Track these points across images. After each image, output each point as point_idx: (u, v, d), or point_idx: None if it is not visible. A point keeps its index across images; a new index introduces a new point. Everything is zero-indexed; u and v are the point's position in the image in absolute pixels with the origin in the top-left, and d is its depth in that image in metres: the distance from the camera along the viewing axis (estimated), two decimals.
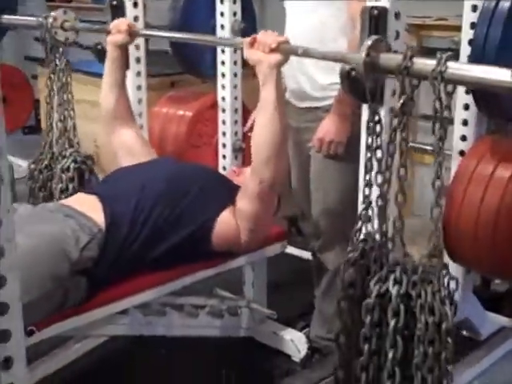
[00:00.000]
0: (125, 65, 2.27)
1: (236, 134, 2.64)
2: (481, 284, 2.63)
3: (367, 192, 1.55)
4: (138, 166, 2.08)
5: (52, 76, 2.40)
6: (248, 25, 2.59)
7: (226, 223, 1.92)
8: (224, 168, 2.64)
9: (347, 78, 1.57)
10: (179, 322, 2.17)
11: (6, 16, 2.59)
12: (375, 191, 1.53)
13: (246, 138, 2.62)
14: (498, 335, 2.40)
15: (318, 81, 2.14)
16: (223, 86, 2.61)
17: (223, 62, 2.58)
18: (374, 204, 1.54)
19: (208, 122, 2.80)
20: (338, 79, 1.59)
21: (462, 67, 1.44)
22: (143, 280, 1.88)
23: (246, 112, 2.65)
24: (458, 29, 2.19)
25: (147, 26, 2.73)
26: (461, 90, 2.09)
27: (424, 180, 3.29)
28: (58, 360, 2.00)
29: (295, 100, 2.23)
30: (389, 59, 1.48)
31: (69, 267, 1.67)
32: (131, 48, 2.44)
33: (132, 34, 2.23)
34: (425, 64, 1.41)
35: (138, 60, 2.49)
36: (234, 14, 2.50)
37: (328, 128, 2.07)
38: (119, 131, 2.21)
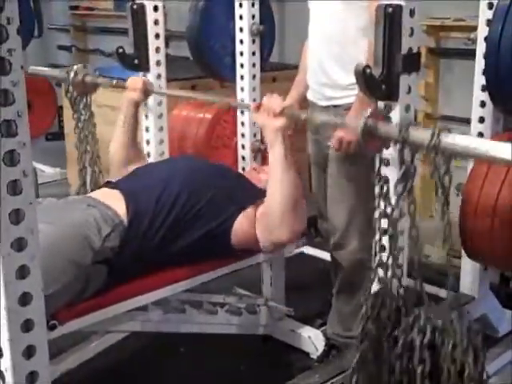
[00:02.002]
0: (137, 121, 2.36)
1: (255, 135, 2.67)
2: (499, 282, 2.62)
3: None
4: (160, 163, 2.13)
5: (79, 124, 2.49)
6: (266, 27, 2.63)
7: (245, 225, 1.96)
8: (243, 169, 2.67)
9: (362, 75, 1.60)
10: (198, 320, 2.20)
11: (32, 67, 2.70)
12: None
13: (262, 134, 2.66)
14: None
15: (338, 81, 2.16)
16: (242, 89, 2.65)
17: (242, 65, 2.61)
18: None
19: (227, 124, 2.84)
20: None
21: (456, 140, 1.40)
22: (162, 276, 1.92)
23: None
24: (476, 29, 2.21)
25: (167, 31, 2.79)
26: (476, 86, 2.11)
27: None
28: (80, 355, 2.03)
29: (316, 99, 2.25)
30: (386, 129, 1.51)
31: (91, 255, 1.72)
32: (151, 51, 2.50)
33: (147, 92, 2.32)
34: (421, 135, 1.43)
35: (157, 63, 2.53)
36: (253, 16, 2.54)
37: (347, 127, 2.09)
38: (129, 169, 2.25)
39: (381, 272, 1.54)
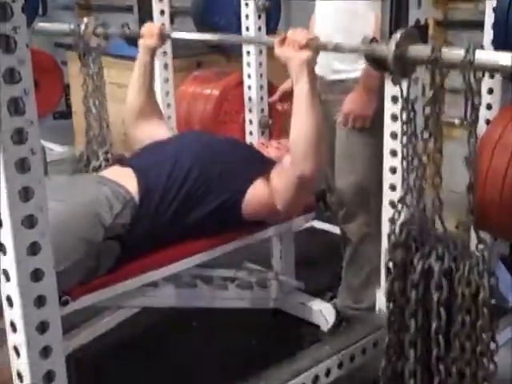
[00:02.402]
0: (153, 68, 2.32)
1: (262, 110, 2.67)
2: (509, 253, 2.62)
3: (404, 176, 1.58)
4: (170, 139, 2.13)
5: (87, 79, 2.46)
6: (272, 2, 2.61)
7: (258, 193, 1.95)
8: (251, 144, 2.68)
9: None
10: (209, 294, 2.21)
11: (40, 23, 2.67)
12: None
13: (272, 110, 2.65)
14: None
15: (345, 54, 2.15)
16: (248, 64, 2.64)
17: None
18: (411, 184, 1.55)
19: (234, 99, 2.84)
20: None
21: (489, 54, 1.45)
22: (174, 252, 1.93)
23: (272, 89, 2.67)
24: (484, 0, 2.18)
25: (172, 7, 2.77)
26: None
27: (453, 154, 3.28)
28: (92, 331, 2.06)
29: (323, 73, 2.24)
30: (418, 50, 1.49)
31: (103, 232, 1.73)
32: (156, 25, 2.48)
33: (163, 37, 2.28)
34: (453, 54, 1.43)
35: None
36: None
37: (355, 102, 2.08)
38: (146, 127, 2.23)
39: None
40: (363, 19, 2.05)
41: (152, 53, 2.28)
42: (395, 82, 1.55)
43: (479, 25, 2.24)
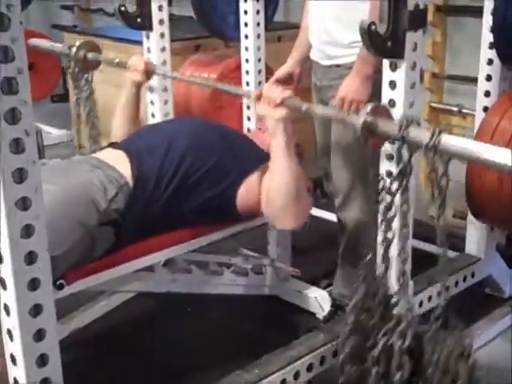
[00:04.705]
0: (139, 101, 2.33)
1: None
2: (506, 243, 2.62)
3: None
4: (164, 123, 2.12)
5: (78, 101, 2.49)
6: None
7: (250, 190, 1.94)
8: (248, 130, 2.66)
9: (367, 32, 1.57)
10: (204, 280, 2.21)
11: (34, 39, 2.66)
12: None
13: None
14: None
15: (340, 39, 2.12)
16: (246, 48, 2.62)
17: (246, 24, 2.58)
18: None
19: (232, 83, 2.81)
20: (359, 38, 1.58)
21: (455, 142, 1.39)
22: (169, 237, 1.92)
23: (270, 73, 2.64)
24: None
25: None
26: (484, 44, 2.07)
27: None
28: (87, 315, 2.05)
29: (318, 58, 2.22)
30: (386, 127, 1.49)
31: (97, 217, 1.71)
32: (153, 9, 2.46)
33: (148, 73, 2.29)
34: (420, 135, 1.41)
35: (160, 22, 2.49)
36: None
37: (349, 87, 2.06)
38: None
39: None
40: (358, 3, 2.03)
41: (138, 87, 2.30)
42: None
43: (479, 11, 2.22)
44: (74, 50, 2.41)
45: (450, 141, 1.37)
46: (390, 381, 1.47)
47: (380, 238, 1.56)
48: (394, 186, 1.49)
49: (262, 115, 1.82)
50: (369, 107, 1.51)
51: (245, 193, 1.94)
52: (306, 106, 1.75)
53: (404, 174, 1.48)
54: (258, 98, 1.81)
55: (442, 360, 1.44)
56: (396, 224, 1.55)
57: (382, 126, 1.49)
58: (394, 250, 1.59)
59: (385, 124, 1.50)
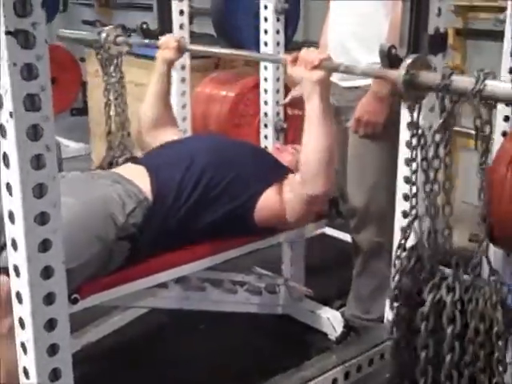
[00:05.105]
0: (170, 79, 2.32)
1: (278, 114, 2.66)
2: None
3: (413, 203, 1.56)
4: (184, 140, 2.13)
5: (108, 87, 2.46)
6: (291, 5, 2.61)
7: (270, 201, 1.94)
8: (266, 148, 2.67)
9: (387, 55, 1.58)
10: (218, 298, 2.21)
11: (62, 30, 2.69)
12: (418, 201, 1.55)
13: (287, 114, 2.65)
14: None
15: (359, 60, 2.13)
16: (265, 67, 2.64)
17: (266, 43, 2.60)
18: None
19: (250, 102, 2.82)
20: (378, 59, 1.59)
21: (499, 85, 1.39)
22: (184, 254, 1.92)
23: (288, 92, 2.66)
24: (505, 10, 2.16)
25: (191, 7, 2.77)
26: (504, 68, 2.07)
27: (468, 165, 3.25)
28: (100, 330, 2.06)
29: (337, 79, 2.23)
30: (428, 77, 1.48)
31: (115, 231, 1.72)
32: (175, 27, 2.49)
33: (180, 49, 2.28)
34: (463, 82, 1.40)
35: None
36: None
37: (365, 109, 2.07)
38: (161, 137, 2.22)
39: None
40: (377, 23, 2.04)
41: (169, 65, 2.29)
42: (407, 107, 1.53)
43: (500, 35, 2.22)
44: (103, 34, 2.41)
45: (494, 86, 1.35)
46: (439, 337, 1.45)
47: (427, 189, 1.52)
48: (437, 137, 1.44)
49: (298, 79, 1.81)
50: (410, 59, 1.49)
51: (263, 203, 1.94)
52: (344, 66, 1.74)
53: (447, 126, 1.45)
54: (294, 61, 1.81)
55: (479, 307, 1.41)
56: (440, 176, 1.50)
57: (424, 77, 1.47)
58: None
59: (427, 74, 1.48)
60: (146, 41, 2.40)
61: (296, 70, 1.81)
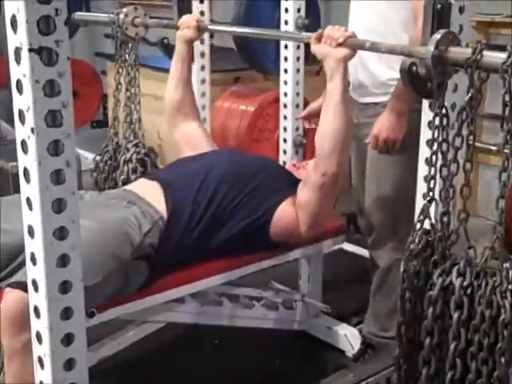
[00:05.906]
0: (191, 60, 2.32)
1: (297, 129, 2.66)
2: None
3: (431, 185, 1.54)
4: (200, 155, 2.13)
5: (120, 70, 2.45)
6: (312, 21, 2.61)
7: (286, 214, 1.94)
8: (284, 163, 2.66)
9: (408, 72, 1.57)
10: (234, 313, 2.20)
11: (78, 13, 2.68)
12: (438, 185, 1.52)
13: (306, 129, 2.65)
14: None
15: (379, 76, 2.13)
16: (285, 82, 2.63)
17: (286, 58, 2.60)
18: (437, 197, 1.52)
19: (269, 117, 2.84)
20: (398, 75, 1.58)
21: None
22: (200, 269, 1.92)
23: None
24: None
25: (212, 22, 2.78)
26: None
27: (489, 181, 3.22)
28: (116, 344, 2.06)
29: (356, 95, 2.23)
30: (458, 53, 1.47)
31: (131, 251, 1.72)
32: (196, 42, 2.50)
33: (200, 29, 2.27)
34: (494, 57, 1.40)
35: (202, 54, 2.54)
36: (298, 10, 2.52)
37: (383, 125, 2.06)
38: (182, 125, 2.26)
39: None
40: (396, 40, 2.03)
41: (189, 44, 2.28)
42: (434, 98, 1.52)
43: None
44: (121, 15, 2.40)
45: None
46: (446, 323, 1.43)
47: (444, 173, 1.49)
48: (463, 115, 1.42)
49: (323, 55, 1.79)
50: (439, 35, 1.47)
51: (279, 216, 1.94)
52: (370, 44, 1.72)
53: (472, 104, 1.42)
54: (319, 38, 1.80)
55: (487, 293, 1.38)
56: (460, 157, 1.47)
57: (454, 52, 1.46)
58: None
59: (456, 49, 1.47)
60: (165, 21, 2.37)
61: (320, 47, 1.79)
